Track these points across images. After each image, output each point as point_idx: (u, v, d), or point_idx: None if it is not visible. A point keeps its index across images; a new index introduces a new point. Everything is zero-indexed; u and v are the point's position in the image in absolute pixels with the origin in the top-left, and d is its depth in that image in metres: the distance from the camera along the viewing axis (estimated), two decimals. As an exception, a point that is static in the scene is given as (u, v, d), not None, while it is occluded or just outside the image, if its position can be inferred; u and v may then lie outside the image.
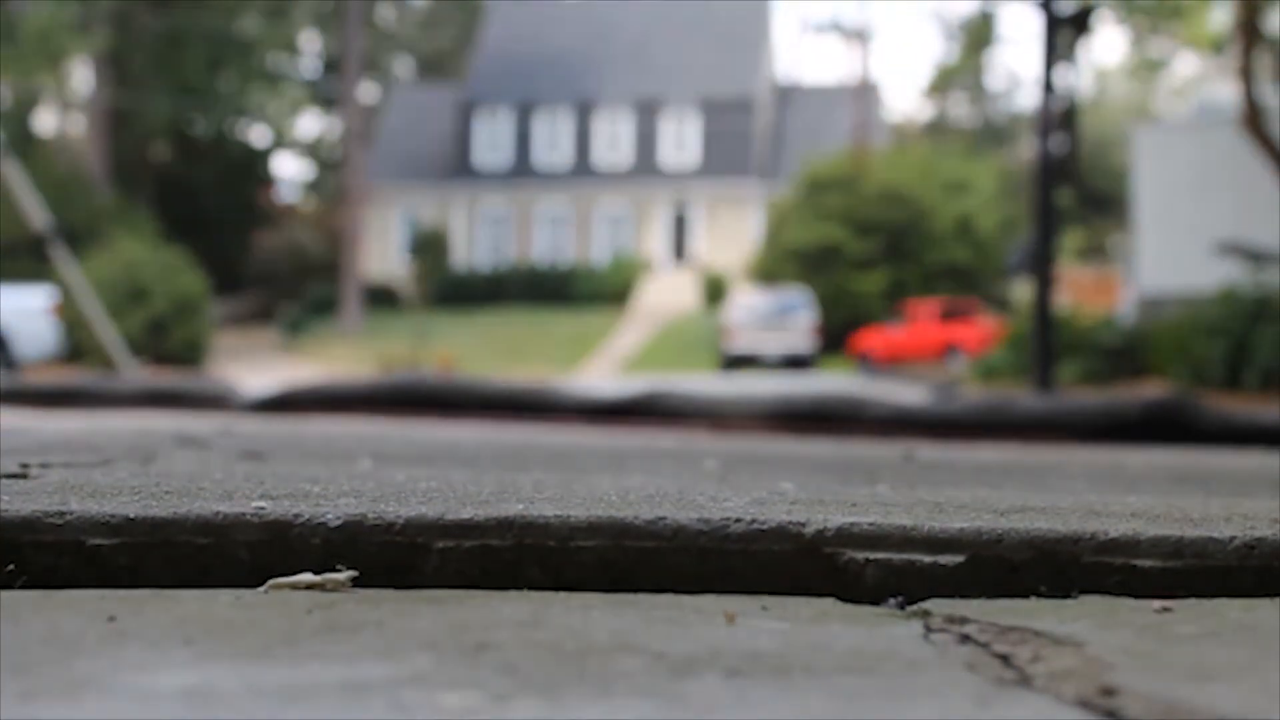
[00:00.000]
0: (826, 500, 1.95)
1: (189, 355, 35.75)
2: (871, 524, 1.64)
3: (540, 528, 1.63)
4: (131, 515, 1.62)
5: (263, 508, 1.63)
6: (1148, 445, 5.69)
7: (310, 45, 65.26)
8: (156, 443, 3.94)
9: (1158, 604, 1.60)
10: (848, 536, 1.63)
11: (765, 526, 1.64)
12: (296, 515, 1.63)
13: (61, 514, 1.59)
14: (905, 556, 1.58)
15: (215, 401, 7.60)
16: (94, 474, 2.27)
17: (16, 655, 1.23)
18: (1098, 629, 1.43)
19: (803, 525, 1.64)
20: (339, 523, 1.62)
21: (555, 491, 2.00)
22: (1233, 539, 1.67)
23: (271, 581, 1.62)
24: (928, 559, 1.58)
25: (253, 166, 60.82)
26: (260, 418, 6.91)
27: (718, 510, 1.72)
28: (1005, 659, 1.29)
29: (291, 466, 2.87)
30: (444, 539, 1.62)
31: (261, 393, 7.64)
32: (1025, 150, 54.88)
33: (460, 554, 1.58)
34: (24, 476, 2.13)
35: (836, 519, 1.66)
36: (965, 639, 1.39)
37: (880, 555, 1.60)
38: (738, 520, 1.64)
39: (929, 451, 4.98)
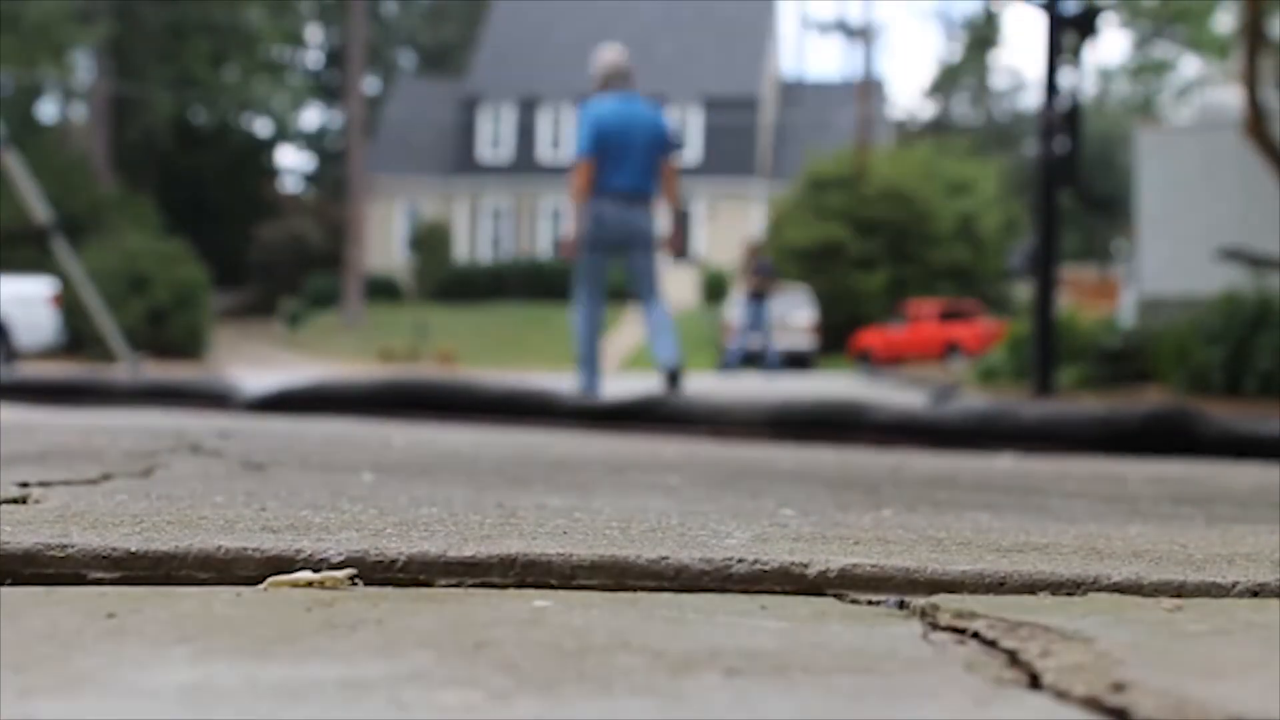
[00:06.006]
0: (828, 535, 1.96)
1: (189, 347, 35.74)
2: (874, 565, 1.65)
3: (543, 566, 1.64)
4: (133, 549, 1.63)
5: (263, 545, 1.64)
6: (1148, 457, 5.69)
7: (313, 37, 65.26)
8: (156, 448, 3.93)
9: (1168, 602, 1.61)
10: (851, 578, 1.64)
11: (768, 567, 1.65)
12: (298, 551, 1.64)
13: (63, 547, 1.60)
14: (908, 600, 1.59)
15: (215, 400, 7.60)
16: (95, 495, 2.27)
17: (15, 652, 1.24)
18: (1107, 625, 1.44)
19: (805, 566, 1.65)
20: (341, 559, 1.63)
21: (557, 522, 2.00)
22: (1235, 584, 1.67)
23: (270, 579, 1.63)
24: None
25: (255, 158, 60.84)
26: (260, 417, 6.91)
27: (720, 549, 1.72)
28: (1013, 654, 1.29)
29: (292, 479, 2.87)
30: (446, 577, 1.63)
31: (261, 392, 7.63)
32: (1028, 150, 54.84)
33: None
34: (23, 501, 2.14)
35: (839, 560, 1.67)
36: (968, 637, 1.39)
37: (883, 597, 1.61)
38: (740, 560, 1.65)
39: (929, 461, 4.97)
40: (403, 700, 1.09)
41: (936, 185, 45.86)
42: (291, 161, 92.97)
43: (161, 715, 1.05)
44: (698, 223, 57.14)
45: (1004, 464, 4.98)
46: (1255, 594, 1.67)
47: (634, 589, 1.66)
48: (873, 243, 44.73)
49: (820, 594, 1.66)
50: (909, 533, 2.09)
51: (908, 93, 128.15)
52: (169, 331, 34.84)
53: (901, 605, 1.60)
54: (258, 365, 33.78)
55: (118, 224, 39.53)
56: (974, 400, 12.98)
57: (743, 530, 1.97)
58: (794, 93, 62.16)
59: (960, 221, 45.50)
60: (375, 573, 1.63)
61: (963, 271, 45.33)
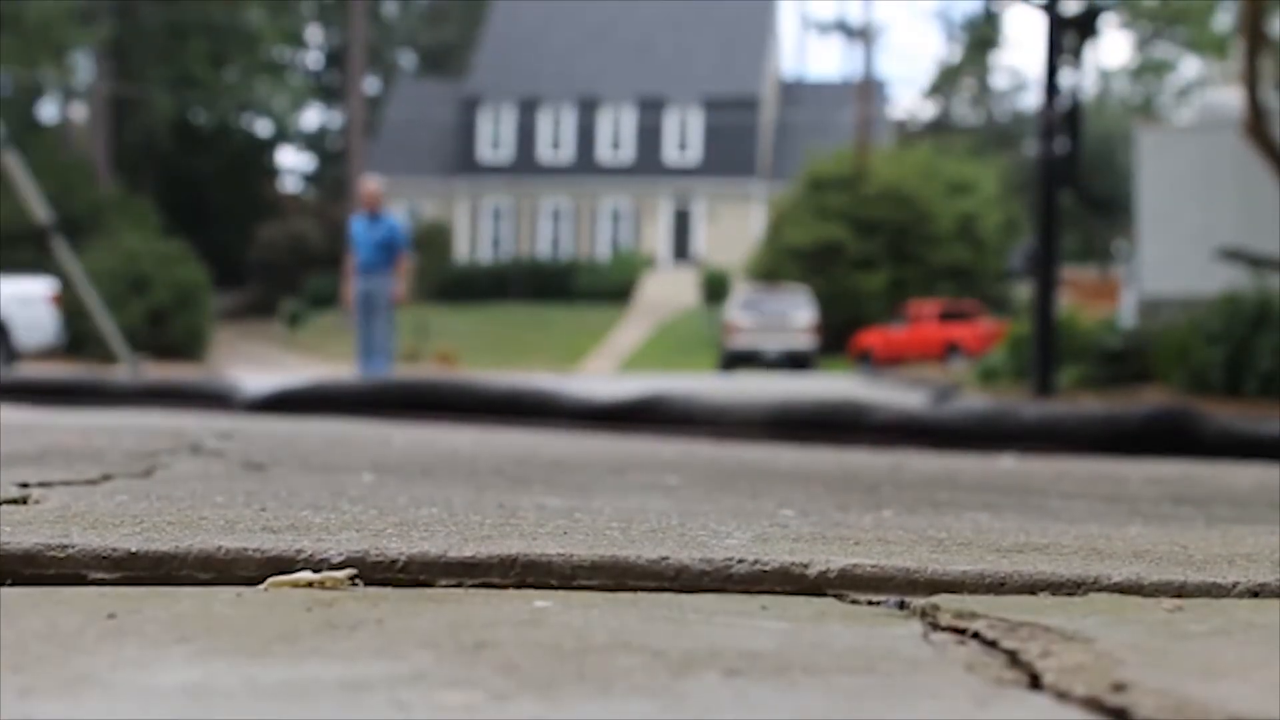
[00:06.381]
0: (828, 536, 1.96)
1: (189, 347, 35.73)
2: (874, 565, 1.65)
3: (543, 566, 1.64)
4: (133, 549, 1.63)
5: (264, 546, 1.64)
6: (1148, 457, 5.69)
7: (313, 37, 65.26)
8: (157, 448, 3.93)
9: (1169, 602, 1.61)
10: (851, 579, 1.64)
11: (768, 568, 1.64)
12: (299, 551, 1.64)
13: (63, 547, 1.60)
14: (908, 600, 1.58)
15: (216, 400, 7.60)
16: (95, 495, 2.27)
17: (15, 652, 1.23)
18: (1108, 625, 1.44)
19: (805, 566, 1.64)
20: (341, 559, 1.63)
21: (558, 523, 2.00)
22: (1235, 584, 1.67)
23: (270, 579, 1.63)
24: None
25: (255, 158, 60.84)
26: (260, 418, 6.91)
27: (720, 549, 1.72)
28: (1013, 655, 1.29)
29: (293, 480, 2.87)
30: (447, 577, 1.63)
31: (261, 392, 7.63)
32: (1028, 150, 54.85)
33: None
34: (23, 501, 2.13)
35: (839, 560, 1.67)
36: (969, 637, 1.39)
37: (883, 598, 1.60)
38: (740, 560, 1.64)
39: (930, 462, 4.97)
40: (403, 700, 1.09)
41: (937, 185, 45.85)
42: (292, 162, 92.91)
43: (162, 715, 1.05)
44: (698, 223, 57.13)
45: (1004, 464, 4.98)
46: (1255, 594, 1.67)
47: (634, 589, 1.66)
48: (873, 243, 44.73)
49: (820, 594, 1.66)
50: (909, 533, 2.09)
51: (908, 93, 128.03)
52: (169, 332, 34.81)
53: (902, 605, 1.60)
54: (258, 366, 33.77)
55: (118, 224, 39.52)
56: (974, 401, 12.98)
57: (743, 531, 1.97)
58: (794, 93, 62.15)
59: (960, 222, 45.49)
60: (375, 573, 1.63)
61: (963, 272, 45.33)
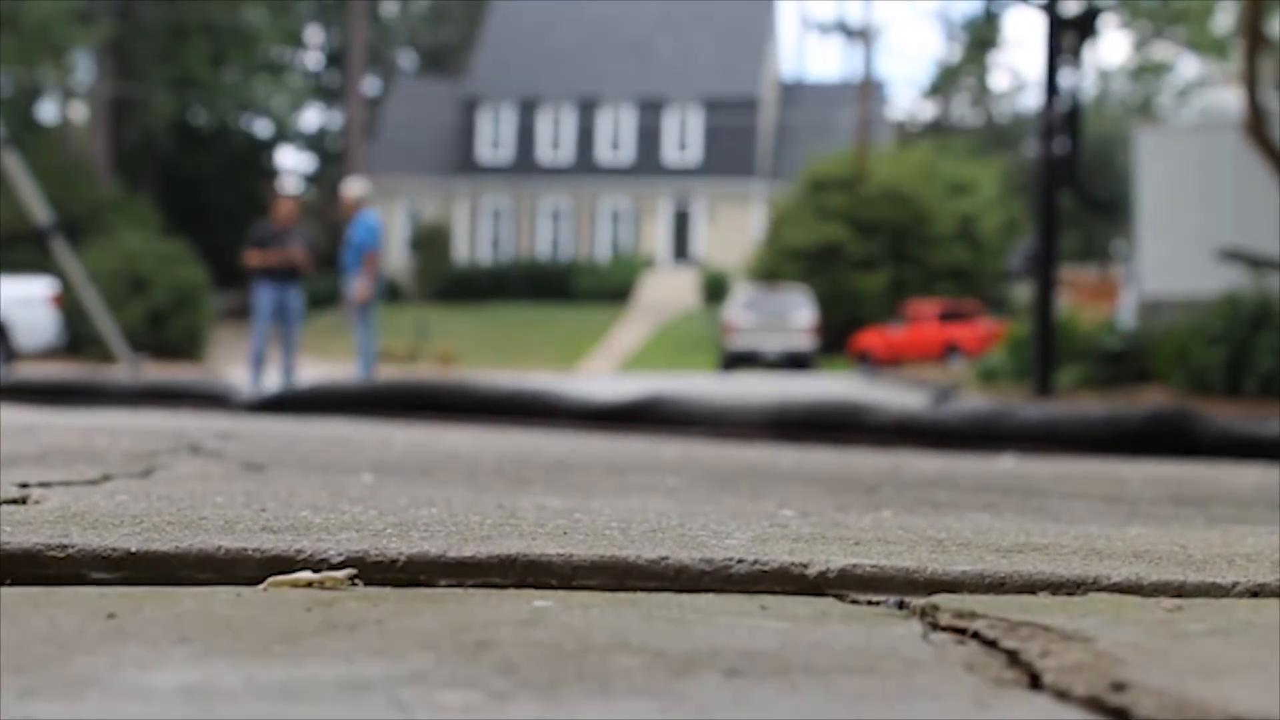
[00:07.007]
0: (828, 536, 1.96)
1: (189, 347, 35.71)
2: (874, 565, 1.65)
3: (543, 566, 1.64)
4: (133, 549, 1.63)
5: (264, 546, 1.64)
6: (1148, 458, 5.69)
7: (313, 38, 65.27)
8: (157, 449, 3.93)
9: (1169, 602, 1.61)
10: (851, 579, 1.64)
11: (768, 568, 1.64)
12: (299, 551, 1.64)
13: (63, 547, 1.60)
14: (908, 600, 1.58)
15: (215, 401, 7.60)
16: (95, 496, 2.27)
17: (15, 653, 1.24)
18: (1107, 625, 1.44)
19: (805, 566, 1.65)
20: (341, 559, 1.63)
21: (557, 523, 2.00)
22: (1235, 584, 1.67)
23: (270, 579, 1.63)
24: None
25: (255, 158, 60.83)
26: (260, 418, 6.91)
27: (720, 549, 1.72)
28: (1013, 654, 1.29)
29: (292, 480, 2.87)
30: (446, 577, 1.63)
31: (261, 393, 7.64)
32: (1028, 151, 54.84)
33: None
34: (23, 501, 2.13)
35: (839, 560, 1.67)
36: (969, 637, 1.39)
37: (883, 598, 1.60)
38: (740, 560, 1.64)
39: (929, 462, 4.97)
40: (402, 700, 1.09)
41: (936, 186, 45.86)
42: (292, 162, 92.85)
43: (162, 715, 1.05)
44: (698, 223, 57.13)
45: (1004, 465, 4.98)
46: (1255, 594, 1.67)
47: (634, 589, 1.66)
48: (873, 244, 44.73)
49: (820, 594, 1.66)
50: (909, 533, 2.09)
51: (908, 93, 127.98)
52: (169, 332, 34.78)
53: (901, 605, 1.60)
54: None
55: (117, 225, 39.52)
56: (974, 401, 12.98)
57: (742, 531, 1.97)
58: (794, 93, 62.15)
59: (960, 222, 45.50)
60: (375, 573, 1.63)
61: (963, 272, 45.34)
